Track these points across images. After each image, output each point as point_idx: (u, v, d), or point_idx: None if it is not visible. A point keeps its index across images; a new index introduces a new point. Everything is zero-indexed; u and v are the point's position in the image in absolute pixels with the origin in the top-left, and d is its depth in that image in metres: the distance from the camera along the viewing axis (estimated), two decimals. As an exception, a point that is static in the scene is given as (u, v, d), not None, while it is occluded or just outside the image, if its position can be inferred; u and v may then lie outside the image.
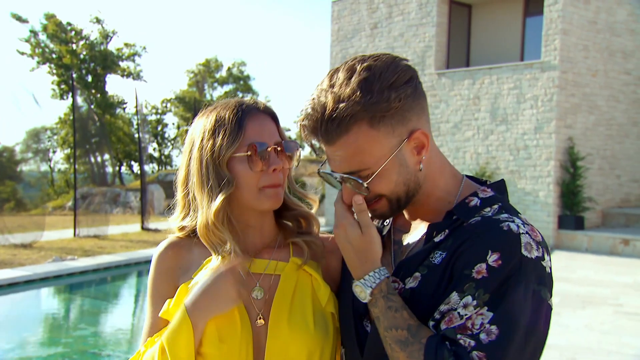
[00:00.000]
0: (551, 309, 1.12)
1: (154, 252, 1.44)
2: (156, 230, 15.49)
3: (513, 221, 1.13)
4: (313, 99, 1.16)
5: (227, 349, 1.29)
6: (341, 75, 1.15)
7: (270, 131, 1.37)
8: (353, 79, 1.13)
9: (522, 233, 1.10)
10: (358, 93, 1.11)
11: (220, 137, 1.31)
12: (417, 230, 1.29)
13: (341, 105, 1.11)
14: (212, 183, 1.31)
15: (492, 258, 1.07)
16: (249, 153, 1.31)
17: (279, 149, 1.36)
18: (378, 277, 1.17)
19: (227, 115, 1.33)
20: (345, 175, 1.18)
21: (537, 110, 13.67)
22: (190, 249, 1.40)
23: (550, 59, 13.46)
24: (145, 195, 16.99)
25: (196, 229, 1.35)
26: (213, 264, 1.32)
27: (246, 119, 1.33)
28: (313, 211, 1.49)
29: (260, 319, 1.35)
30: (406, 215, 1.33)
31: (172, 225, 1.43)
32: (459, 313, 1.08)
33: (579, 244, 12.99)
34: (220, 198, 1.30)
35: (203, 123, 1.36)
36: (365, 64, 1.14)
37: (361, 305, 1.28)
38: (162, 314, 1.34)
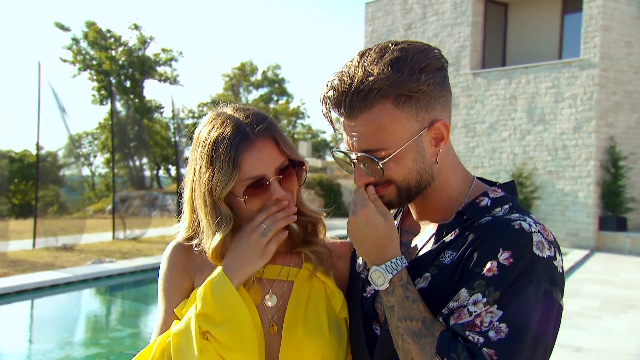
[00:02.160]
0: (562, 309, 1.11)
1: (165, 251, 1.43)
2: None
3: (524, 220, 1.12)
4: (342, 71, 1.15)
5: (238, 356, 1.25)
6: (373, 53, 1.14)
7: (270, 157, 1.30)
8: (385, 57, 1.12)
9: (534, 232, 1.10)
10: (389, 69, 1.10)
11: (216, 173, 1.27)
12: (426, 231, 1.28)
13: (370, 78, 1.11)
14: (210, 217, 1.30)
15: (504, 256, 1.07)
16: (245, 197, 1.28)
17: (280, 177, 1.30)
18: (400, 264, 1.16)
19: (221, 148, 1.26)
20: (361, 154, 1.16)
21: (576, 109, 13.37)
22: (200, 253, 1.38)
23: (590, 57, 13.16)
24: (183, 198, 17.16)
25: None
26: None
27: (240, 154, 1.26)
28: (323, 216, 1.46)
29: (272, 325, 1.34)
30: (414, 215, 1.32)
31: (179, 236, 1.43)
32: (468, 310, 1.07)
33: (622, 246, 12.66)
34: (218, 238, 1.29)
35: (202, 147, 1.30)
36: (398, 46, 1.14)
37: (370, 309, 1.28)
38: (177, 311, 1.33)
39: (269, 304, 1.35)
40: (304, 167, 1.36)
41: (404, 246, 1.30)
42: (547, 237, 1.11)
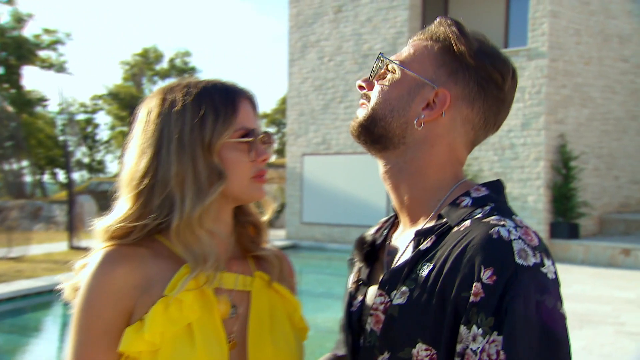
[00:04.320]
0: (564, 317, 1.11)
1: (91, 267, 1.30)
2: (87, 249, 15.12)
3: (504, 225, 1.13)
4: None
5: None
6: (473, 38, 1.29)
7: (255, 117, 1.41)
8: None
9: (514, 239, 1.11)
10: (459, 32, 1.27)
11: (210, 120, 1.32)
12: (405, 234, 1.32)
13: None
14: (202, 176, 1.31)
15: (486, 275, 1.09)
16: (251, 139, 1.36)
17: (265, 139, 1.41)
18: None
19: (215, 95, 1.35)
20: (380, 55, 1.32)
21: (524, 104, 13.88)
22: (145, 262, 1.30)
23: (538, 46, 13.70)
24: (74, 208, 16.66)
25: (142, 233, 1.32)
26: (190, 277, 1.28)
27: (238, 100, 1.37)
28: (265, 218, 1.52)
29: (232, 341, 1.34)
30: (398, 215, 1.37)
31: (113, 224, 1.32)
32: (472, 349, 1.07)
33: (574, 255, 13.22)
34: (215, 192, 1.32)
35: (178, 103, 1.34)
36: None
37: (356, 323, 1.31)
38: (126, 346, 1.23)
39: (229, 316, 1.36)
40: (272, 143, 1.44)
41: (390, 255, 1.33)
42: (530, 243, 1.12)
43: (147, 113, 1.37)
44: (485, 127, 1.31)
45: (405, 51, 1.31)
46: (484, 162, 14.46)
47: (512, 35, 15.20)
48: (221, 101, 1.34)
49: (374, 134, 1.30)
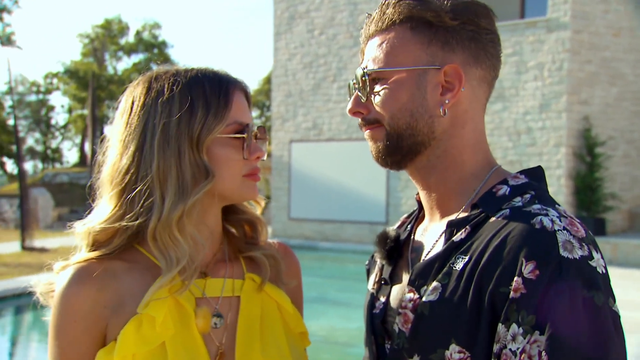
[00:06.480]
0: (618, 315, 1.14)
1: (59, 288, 1.35)
2: (43, 250, 15.13)
3: (546, 215, 1.17)
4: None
5: None
6: None
7: (249, 111, 1.47)
8: None
9: (558, 230, 1.14)
10: None
11: (200, 112, 1.36)
12: (435, 227, 1.36)
13: (399, 2, 1.31)
14: (186, 173, 1.35)
15: (528, 269, 1.12)
16: (244, 135, 1.40)
17: (259, 134, 1.45)
18: None
19: (205, 85, 1.39)
20: (361, 70, 1.32)
21: (542, 82, 13.89)
22: (116, 277, 1.37)
23: (560, 15, 13.70)
24: (27, 202, 16.63)
25: (116, 240, 1.38)
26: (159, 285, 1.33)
27: (232, 91, 1.41)
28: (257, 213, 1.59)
29: (220, 353, 1.40)
30: (424, 204, 1.41)
31: (96, 226, 1.38)
32: (510, 350, 1.10)
33: (600, 254, 13.29)
34: (199, 192, 1.35)
35: (164, 93, 1.38)
36: None
37: (379, 326, 1.35)
38: None
39: (216, 325, 1.41)
40: (266, 139, 1.48)
41: (414, 252, 1.38)
42: (577, 234, 1.15)
43: (130, 103, 1.42)
44: (495, 77, 1.36)
45: (378, 52, 1.32)
46: (497, 148, 14.48)
47: (530, 3, 15.20)
48: (213, 92, 1.38)
49: (403, 149, 1.32)
